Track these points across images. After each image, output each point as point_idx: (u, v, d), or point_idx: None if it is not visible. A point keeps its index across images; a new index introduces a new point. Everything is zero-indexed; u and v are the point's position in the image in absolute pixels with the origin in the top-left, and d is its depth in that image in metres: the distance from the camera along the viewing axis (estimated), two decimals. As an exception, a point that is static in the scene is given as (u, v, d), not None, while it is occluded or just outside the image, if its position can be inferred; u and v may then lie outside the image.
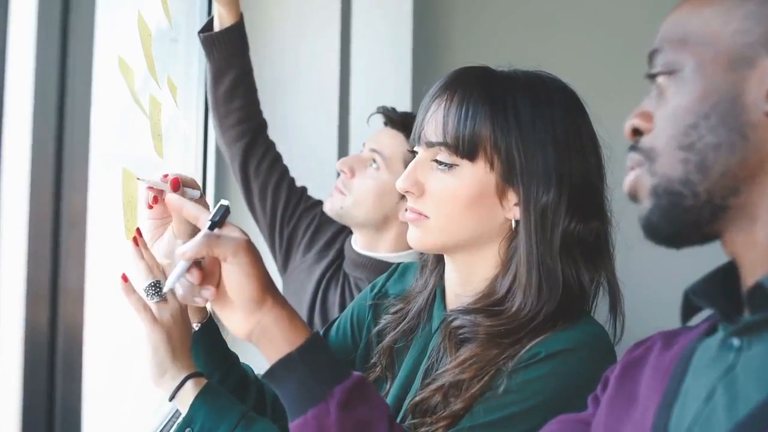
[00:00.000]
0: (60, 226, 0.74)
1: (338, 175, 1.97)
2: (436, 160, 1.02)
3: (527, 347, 0.95)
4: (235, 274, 0.85)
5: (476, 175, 1.00)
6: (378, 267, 1.72)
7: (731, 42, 0.65)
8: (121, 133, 1.30)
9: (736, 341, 0.64)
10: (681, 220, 0.66)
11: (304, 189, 1.89)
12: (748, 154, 0.63)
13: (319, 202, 1.88)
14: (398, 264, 1.25)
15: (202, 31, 1.74)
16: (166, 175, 1.05)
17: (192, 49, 1.88)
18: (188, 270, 0.85)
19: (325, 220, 1.86)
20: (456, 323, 1.01)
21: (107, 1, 1.01)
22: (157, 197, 1.06)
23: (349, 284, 1.78)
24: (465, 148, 0.99)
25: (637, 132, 0.71)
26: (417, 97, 2.35)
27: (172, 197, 0.95)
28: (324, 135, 2.08)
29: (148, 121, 1.27)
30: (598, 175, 1.03)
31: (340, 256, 1.83)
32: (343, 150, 2.10)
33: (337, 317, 1.25)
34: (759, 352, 0.62)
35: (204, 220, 0.89)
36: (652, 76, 0.70)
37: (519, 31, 2.53)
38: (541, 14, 2.56)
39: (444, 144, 1.00)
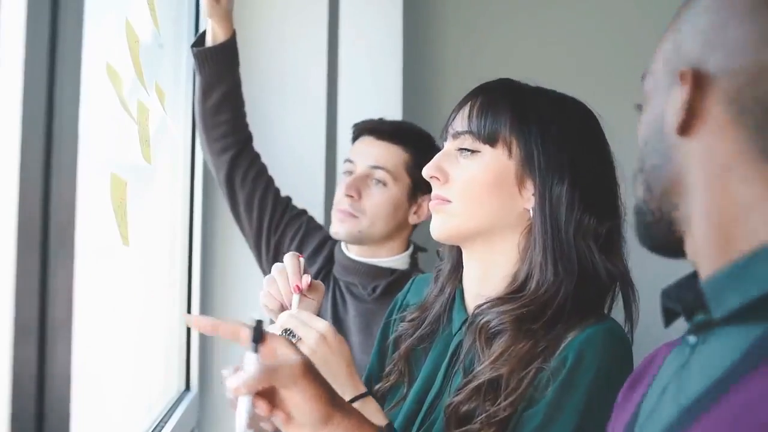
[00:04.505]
0: (48, 230, 0.75)
1: (326, 184, 1.98)
2: (461, 149, 1.10)
3: (559, 349, 0.99)
4: (297, 399, 0.83)
5: (497, 160, 1.08)
6: (371, 271, 1.75)
7: (674, 62, 0.66)
8: (109, 138, 1.31)
9: (692, 338, 0.66)
10: (651, 236, 0.71)
11: (288, 198, 1.91)
12: (674, 174, 0.66)
13: (304, 211, 1.89)
14: (413, 278, 1.30)
15: (194, 45, 1.75)
16: (297, 286, 1.14)
17: (180, 55, 1.88)
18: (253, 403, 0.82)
19: (312, 228, 1.87)
20: (483, 320, 1.05)
21: (95, 8, 1.03)
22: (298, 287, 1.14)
23: (340, 289, 1.79)
24: (486, 134, 1.08)
25: None
26: (407, 107, 2.35)
27: (202, 323, 0.95)
28: (311, 144, 2.08)
29: (137, 127, 1.28)
30: (612, 179, 1.10)
31: (329, 262, 1.84)
32: (330, 159, 2.11)
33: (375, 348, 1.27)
34: (709, 346, 0.64)
35: (244, 337, 0.86)
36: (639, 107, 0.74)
37: (511, 37, 2.52)
38: (533, 20, 2.56)
39: (468, 132, 1.09)
